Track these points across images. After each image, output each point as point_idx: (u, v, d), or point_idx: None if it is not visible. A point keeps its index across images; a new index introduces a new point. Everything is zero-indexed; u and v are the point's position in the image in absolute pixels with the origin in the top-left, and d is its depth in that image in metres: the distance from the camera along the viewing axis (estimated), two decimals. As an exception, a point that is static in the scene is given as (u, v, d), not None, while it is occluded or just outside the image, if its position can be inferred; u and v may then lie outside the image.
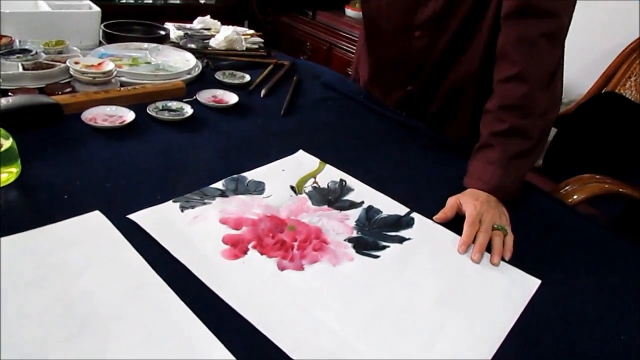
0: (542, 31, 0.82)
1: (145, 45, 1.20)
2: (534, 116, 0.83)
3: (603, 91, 1.67)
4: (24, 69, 0.94)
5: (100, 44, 1.21)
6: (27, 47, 1.01)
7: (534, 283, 0.67)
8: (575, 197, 1.12)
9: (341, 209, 0.77)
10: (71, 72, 0.97)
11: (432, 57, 1.04)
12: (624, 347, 0.60)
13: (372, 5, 1.08)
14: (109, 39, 1.21)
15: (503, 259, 0.71)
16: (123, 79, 1.02)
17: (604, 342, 0.60)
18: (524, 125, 0.83)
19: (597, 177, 1.18)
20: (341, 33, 2.60)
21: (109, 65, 0.99)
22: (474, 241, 0.72)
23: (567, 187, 1.14)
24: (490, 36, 0.94)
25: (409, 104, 1.15)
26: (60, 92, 0.92)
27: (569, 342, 0.59)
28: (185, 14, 1.41)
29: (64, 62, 0.98)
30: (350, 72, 2.50)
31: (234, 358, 0.49)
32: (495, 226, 0.74)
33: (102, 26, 1.22)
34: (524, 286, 0.67)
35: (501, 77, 0.86)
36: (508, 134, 0.83)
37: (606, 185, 1.17)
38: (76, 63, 0.97)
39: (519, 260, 0.71)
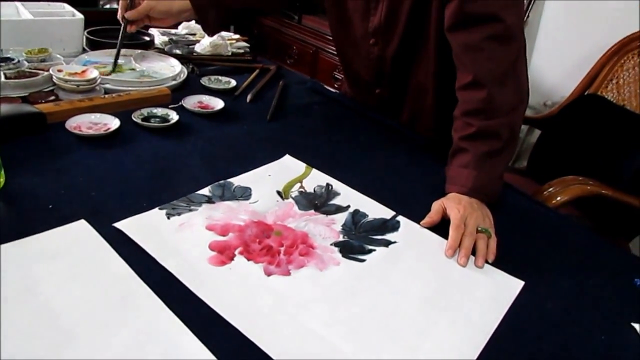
0: (485, 35, 0.84)
1: (130, 51, 1.20)
2: (499, 116, 0.85)
3: (586, 93, 1.70)
4: (6, 77, 0.93)
5: (84, 51, 1.20)
6: (9, 55, 1.00)
7: (517, 284, 0.69)
8: (558, 198, 1.13)
9: (327, 213, 0.77)
10: (54, 80, 0.96)
11: (387, 62, 1.09)
12: (604, 348, 0.61)
13: (338, 14, 1.12)
14: (93, 45, 1.20)
15: (487, 261, 0.72)
16: (107, 86, 1.02)
17: (584, 343, 0.61)
18: (491, 126, 0.85)
19: (580, 179, 1.20)
20: (327, 37, 2.61)
21: (92, 73, 0.98)
22: (459, 245, 0.73)
23: (550, 189, 1.16)
24: (437, 45, 0.98)
25: (382, 106, 1.19)
26: (43, 101, 0.91)
27: (551, 342, 0.60)
28: (170, 20, 1.39)
29: (47, 70, 0.97)
30: (337, 76, 2.52)
31: (221, 365, 0.49)
32: (480, 229, 0.75)
33: (85, 33, 1.21)
34: (507, 288, 0.68)
35: (460, 85, 0.90)
36: (477, 136, 0.85)
37: (588, 187, 1.19)
38: (59, 71, 0.96)
39: (503, 262, 0.72)
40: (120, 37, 1.10)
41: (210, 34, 1.19)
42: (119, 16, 1.10)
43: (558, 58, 1.96)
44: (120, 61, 1.15)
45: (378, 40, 1.07)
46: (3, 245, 0.58)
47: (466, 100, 0.88)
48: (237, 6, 1.15)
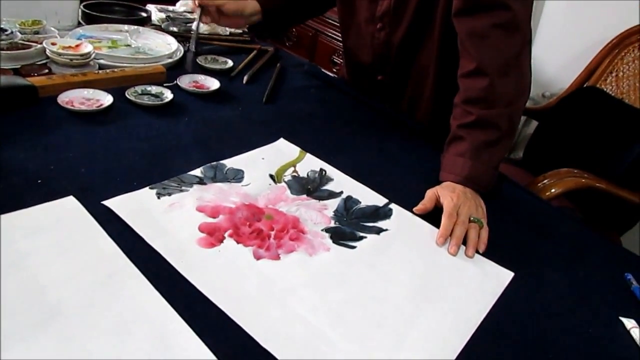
0: (492, 23, 0.83)
1: (126, 27, 1.18)
2: (499, 106, 0.84)
3: (585, 85, 1.69)
4: (-2, 49, 0.92)
5: (79, 24, 1.18)
6: (2, 26, 0.98)
7: (507, 275, 0.68)
8: (552, 190, 1.13)
9: (320, 198, 0.77)
10: (48, 54, 0.94)
11: (393, 48, 1.08)
12: (592, 341, 0.61)
13: None
14: (88, 19, 1.18)
15: (477, 252, 0.72)
16: (102, 61, 1.00)
17: (573, 335, 0.61)
18: (490, 116, 0.84)
19: (575, 171, 1.20)
20: (327, 20, 2.58)
21: (87, 47, 0.97)
22: (450, 234, 0.73)
23: (544, 181, 1.16)
24: (442, 31, 0.97)
25: (381, 92, 1.18)
26: (36, 74, 0.89)
27: (538, 334, 0.60)
28: (168, -4, 1.37)
29: (41, 43, 0.96)
30: (335, 60, 2.49)
31: (205, 347, 0.49)
32: (472, 219, 0.75)
33: (81, 6, 1.19)
34: (497, 279, 0.68)
35: (462, 72, 0.89)
36: (475, 125, 0.85)
37: (583, 180, 1.18)
38: (53, 44, 0.95)
39: (493, 252, 0.72)
40: (196, 24, 1.11)
41: (262, 39, 1.25)
42: (191, 5, 1.13)
43: (558, 49, 1.94)
44: (115, 37, 1.13)
45: (385, 25, 1.05)
46: (-11, 220, 0.57)
47: (467, 88, 0.87)
48: (299, 14, 1.24)
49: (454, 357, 0.54)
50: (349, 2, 1.10)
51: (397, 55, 1.09)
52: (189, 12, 1.46)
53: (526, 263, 0.72)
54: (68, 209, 0.63)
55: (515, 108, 0.87)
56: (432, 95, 1.09)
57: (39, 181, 0.66)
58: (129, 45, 1.12)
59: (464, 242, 0.72)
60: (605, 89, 1.62)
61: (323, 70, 1.34)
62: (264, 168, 0.81)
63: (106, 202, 0.64)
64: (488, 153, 0.84)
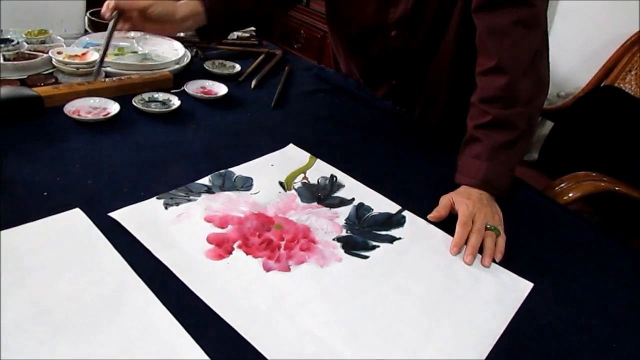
0: (513, 19, 0.81)
1: (132, 34, 1.17)
2: (517, 105, 0.81)
3: (602, 85, 1.65)
4: (4, 59, 0.91)
5: (86, 32, 1.17)
6: (8, 36, 0.98)
7: (526, 286, 0.66)
8: (570, 195, 1.10)
9: (331, 206, 0.75)
10: (54, 63, 0.94)
11: (410, 53, 1.05)
12: (615, 356, 0.58)
13: (340, 8, 1.09)
14: (95, 27, 1.17)
15: (494, 261, 0.69)
16: (108, 69, 0.99)
17: (596, 350, 0.58)
18: (508, 116, 0.81)
19: (593, 174, 1.16)
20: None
21: (93, 56, 0.96)
22: (466, 242, 0.70)
23: (562, 185, 1.13)
24: (459, 31, 0.95)
25: (395, 96, 1.16)
26: (42, 84, 0.89)
27: (559, 349, 0.57)
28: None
29: (47, 53, 0.95)
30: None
31: (214, 366, 0.47)
32: (488, 226, 0.72)
33: (87, 14, 1.18)
34: (515, 290, 0.65)
35: (481, 69, 0.86)
36: (492, 125, 0.82)
37: (602, 184, 1.15)
38: (59, 53, 0.94)
39: (511, 261, 0.69)
40: (107, 34, 0.88)
41: (214, 43, 1.12)
42: (104, 10, 0.89)
43: (574, 47, 1.90)
44: (122, 44, 1.12)
45: (400, 33, 1.02)
46: (-6, 234, 0.56)
47: (485, 87, 0.85)
48: (247, 7, 1.03)
49: (473, 373, 0.52)
50: (344, 14, 1.07)
51: (414, 61, 1.06)
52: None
53: (545, 273, 0.69)
54: (74, 222, 0.61)
55: (533, 107, 0.84)
56: (446, 98, 1.06)
57: (45, 193, 0.65)
58: (135, 52, 1.11)
59: (480, 251, 0.70)
60: (623, 88, 1.58)
61: (331, 70, 1.32)
62: (273, 175, 0.79)
63: (113, 214, 0.63)
64: (505, 154, 0.82)
